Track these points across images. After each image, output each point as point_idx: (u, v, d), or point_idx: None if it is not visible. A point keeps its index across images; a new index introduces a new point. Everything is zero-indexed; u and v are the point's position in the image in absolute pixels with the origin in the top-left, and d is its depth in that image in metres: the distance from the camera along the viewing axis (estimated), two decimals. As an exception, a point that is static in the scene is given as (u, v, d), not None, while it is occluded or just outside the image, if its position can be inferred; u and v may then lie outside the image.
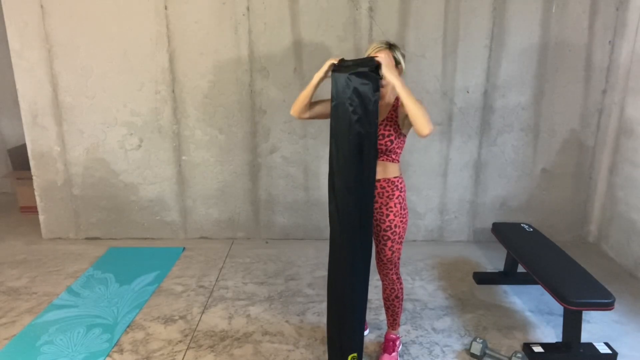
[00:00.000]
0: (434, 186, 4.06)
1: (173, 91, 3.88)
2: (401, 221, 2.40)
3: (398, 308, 2.59)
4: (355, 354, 2.37)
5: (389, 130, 2.31)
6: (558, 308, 3.05)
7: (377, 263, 2.51)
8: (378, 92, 2.14)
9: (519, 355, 2.54)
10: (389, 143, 2.32)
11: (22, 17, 3.72)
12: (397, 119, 2.32)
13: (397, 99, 2.32)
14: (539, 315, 3.08)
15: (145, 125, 3.95)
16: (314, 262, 3.78)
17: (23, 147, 4.23)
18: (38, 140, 3.98)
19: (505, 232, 3.38)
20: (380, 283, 2.69)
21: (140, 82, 3.85)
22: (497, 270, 3.63)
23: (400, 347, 2.71)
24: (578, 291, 2.55)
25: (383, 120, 2.32)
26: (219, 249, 4.02)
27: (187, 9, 3.70)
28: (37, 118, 3.93)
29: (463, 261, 3.83)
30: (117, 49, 3.78)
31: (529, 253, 3.04)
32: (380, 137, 2.30)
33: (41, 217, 4.16)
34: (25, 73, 3.84)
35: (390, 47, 2.28)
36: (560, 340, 2.76)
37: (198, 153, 4.01)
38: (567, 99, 3.88)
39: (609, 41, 3.76)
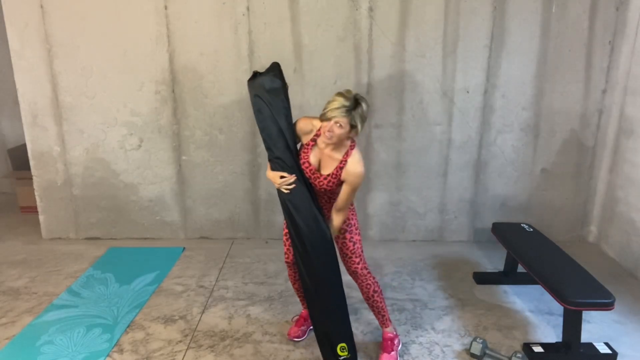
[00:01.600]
0: (434, 186, 4.06)
1: (173, 91, 3.88)
2: (352, 215, 2.49)
3: (381, 303, 2.60)
4: (344, 344, 2.40)
5: (330, 183, 2.36)
6: (558, 308, 3.05)
7: (345, 262, 2.53)
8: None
9: (519, 355, 2.54)
10: (327, 188, 2.39)
11: (22, 17, 3.72)
12: (340, 177, 2.34)
13: (347, 154, 2.33)
14: (539, 315, 3.08)
15: (145, 125, 3.95)
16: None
17: (23, 147, 4.24)
18: (38, 140, 3.98)
19: (505, 232, 3.38)
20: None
21: (140, 82, 3.85)
22: (497, 270, 3.63)
23: (400, 346, 2.71)
24: (578, 291, 2.55)
25: (328, 175, 2.35)
26: (219, 249, 4.02)
27: (187, 9, 3.70)
28: (37, 118, 3.93)
29: (463, 261, 3.83)
30: (117, 49, 3.78)
31: (529, 253, 3.04)
32: (321, 184, 2.37)
33: (41, 217, 4.16)
34: (25, 73, 3.84)
35: (351, 112, 2.20)
36: (560, 340, 2.76)
37: (198, 153, 4.01)
38: (567, 99, 3.88)
39: (609, 41, 3.76)
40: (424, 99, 3.86)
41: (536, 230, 3.39)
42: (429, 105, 3.87)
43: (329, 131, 2.21)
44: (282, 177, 2.34)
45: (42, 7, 3.69)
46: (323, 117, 2.24)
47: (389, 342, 2.64)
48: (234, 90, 3.85)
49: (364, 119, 2.25)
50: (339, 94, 2.23)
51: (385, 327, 2.66)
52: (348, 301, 3.14)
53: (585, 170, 4.04)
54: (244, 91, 3.85)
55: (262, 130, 2.38)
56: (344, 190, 2.34)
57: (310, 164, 2.38)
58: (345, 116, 2.18)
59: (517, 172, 4.03)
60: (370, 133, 3.94)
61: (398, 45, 3.75)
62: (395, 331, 2.71)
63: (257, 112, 2.37)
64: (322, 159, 2.37)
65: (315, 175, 2.37)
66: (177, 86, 3.87)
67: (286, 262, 2.67)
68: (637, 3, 3.62)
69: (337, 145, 2.32)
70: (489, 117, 3.91)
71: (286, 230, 2.55)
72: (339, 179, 2.34)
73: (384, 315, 2.64)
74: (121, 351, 2.68)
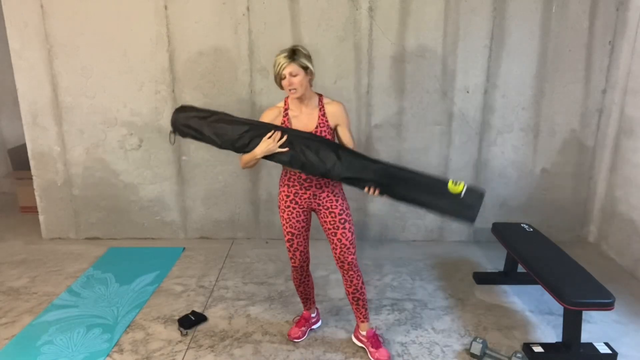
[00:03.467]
0: (434, 186, 4.06)
1: (173, 91, 3.88)
2: (347, 206, 2.56)
3: (365, 296, 2.63)
4: (451, 180, 2.38)
5: (324, 135, 2.41)
6: (558, 308, 3.05)
7: (342, 252, 2.50)
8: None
9: (519, 355, 2.54)
10: (329, 137, 2.44)
11: (22, 17, 3.72)
12: (329, 123, 2.43)
13: (320, 101, 2.43)
14: (539, 315, 3.08)
15: (145, 125, 3.95)
16: (313, 262, 3.75)
17: (23, 147, 4.23)
18: (38, 140, 3.98)
19: (505, 232, 3.38)
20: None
21: (140, 82, 3.85)
22: (497, 270, 3.63)
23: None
24: (578, 291, 2.55)
25: (316, 128, 2.41)
26: (219, 249, 4.02)
27: (187, 9, 3.70)
28: (37, 118, 3.93)
29: (463, 261, 3.83)
30: (117, 49, 3.78)
31: (529, 253, 3.04)
32: None
33: (41, 217, 4.16)
34: (25, 73, 3.84)
35: (293, 57, 2.29)
36: (560, 340, 2.76)
37: (198, 153, 4.01)
38: (567, 99, 3.88)
39: (609, 41, 3.76)
40: (424, 99, 3.86)
41: (536, 230, 3.39)
42: (429, 105, 3.87)
43: (289, 85, 2.31)
44: (269, 137, 2.35)
45: (42, 7, 3.69)
46: (277, 81, 2.35)
47: (376, 337, 2.65)
48: (234, 90, 3.85)
49: (308, 58, 2.34)
50: (277, 54, 2.32)
51: (367, 321, 2.67)
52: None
53: (585, 170, 4.04)
54: (244, 91, 3.86)
55: (219, 137, 2.45)
56: (342, 132, 2.46)
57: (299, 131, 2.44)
58: (291, 63, 2.28)
59: (517, 172, 4.03)
60: (370, 133, 3.94)
61: (398, 45, 3.75)
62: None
63: (198, 135, 2.50)
64: (306, 120, 2.43)
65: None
66: (177, 86, 3.87)
67: (293, 266, 2.67)
68: (637, 3, 3.62)
69: (306, 98, 2.41)
70: (489, 117, 3.91)
71: (288, 237, 2.58)
72: (328, 125, 2.42)
73: (366, 309, 2.66)
74: (121, 351, 2.68)
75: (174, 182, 4.08)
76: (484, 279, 3.50)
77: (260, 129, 2.39)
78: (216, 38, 3.76)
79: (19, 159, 4.79)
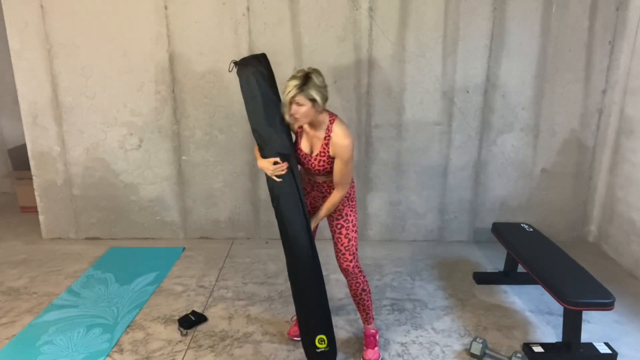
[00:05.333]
0: (434, 186, 4.06)
1: (173, 91, 3.88)
2: (351, 210, 2.49)
3: (368, 302, 2.61)
4: (323, 336, 2.42)
5: (323, 163, 2.37)
6: (558, 308, 3.05)
7: (337, 257, 2.52)
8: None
9: (519, 355, 2.54)
10: (323, 170, 2.39)
11: (22, 17, 3.72)
12: (329, 152, 2.34)
13: (329, 129, 2.33)
14: (539, 315, 3.08)
15: (145, 125, 3.95)
16: (314, 262, 3.78)
17: (23, 147, 4.24)
18: (38, 140, 3.98)
19: (505, 232, 3.38)
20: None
21: (140, 82, 3.85)
22: (497, 270, 3.63)
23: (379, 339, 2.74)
24: (578, 291, 2.55)
25: (317, 155, 2.36)
26: (219, 249, 4.02)
27: (187, 9, 3.70)
28: (37, 118, 3.93)
29: (463, 261, 3.83)
30: (117, 49, 3.78)
31: (529, 253, 3.04)
32: (316, 165, 2.38)
33: (41, 217, 4.16)
34: (25, 73, 3.84)
35: (302, 87, 2.20)
36: (560, 340, 2.76)
37: (198, 153, 4.01)
38: (567, 99, 3.88)
39: (609, 41, 3.76)
40: (424, 99, 3.86)
41: (536, 230, 3.39)
42: (429, 105, 3.87)
43: (292, 114, 2.25)
44: (275, 162, 2.34)
45: (42, 7, 3.69)
46: (283, 105, 2.28)
47: (372, 337, 2.65)
48: (234, 90, 3.85)
49: (319, 89, 2.23)
50: (291, 77, 2.25)
51: (368, 324, 2.68)
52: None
53: (585, 170, 4.04)
54: (244, 91, 3.86)
55: (255, 116, 2.35)
56: (336, 164, 2.34)
57: (301, 150, 2.42)
58: (299, 93, 2.20)
59: (517, 172, 4.03)
60: (370, 133, 3.94)
61: (398, 45, 3.75)
62: (376, 327, 2.74)
63: (251, 99, 2.34)
64: (311, 142, 2.40)
65: (307, 159, 2.40)
66: (177, 86, 3.87)
67: None
68: (637, 3, 3.62)
69: (315, 124, 2.33)
70: (489, 117, 3.91)
71: None
72: (328, 155, 2.34)
73: (368, 313, 2.65)
74: (121, 351, 2.68)
75: (174, 182, 4.08)
76: (484, 279, 3.50)
77: (272, 144, 2.34)
78: (216, 38, 3.76)
79: (19, 159, 4.79)
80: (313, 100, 2.22)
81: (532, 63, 3.79)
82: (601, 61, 3.80)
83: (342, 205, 2.49)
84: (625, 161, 3.75)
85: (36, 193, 4.11)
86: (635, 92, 3.66)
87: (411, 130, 3.92)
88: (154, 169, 4.05)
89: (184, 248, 4.02)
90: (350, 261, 2.50)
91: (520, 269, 3.39)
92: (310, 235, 2.41)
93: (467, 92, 3.85)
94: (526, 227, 3.42)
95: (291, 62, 3.78)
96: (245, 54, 3.77)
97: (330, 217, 2.51)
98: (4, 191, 5.39)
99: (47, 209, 4.14)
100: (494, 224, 3.52)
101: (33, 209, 4.41)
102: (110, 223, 4.18)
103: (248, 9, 3.70)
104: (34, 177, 4.07)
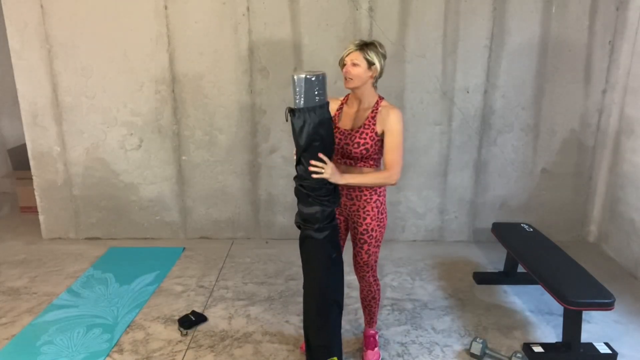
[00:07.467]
0: (434, 186, 4.06)
1: (173, 91, 3.88)
2: (378, 225, 2.36)
3: (375, 308, 2.61)
4: (335, 358, 2.30)
5: (365, 139, 2.23)
6: (558, 308, 3.05)
7: (354, 265, 2.50)
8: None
9: (519, 355, 2.54)
10: (364, 151, 2.25)
11: (22, 17, 3.72)
12: (376, 128, 2.23)
13: (377, 103, 2.24)
14: (539, 315, 3.08)
15: (145, 125, 3.95)
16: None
17: (23, 147, 4.24)
18: (38, 140, 3.98)
19: (505, 232, 3.38)
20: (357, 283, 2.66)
21: (140, 82, 3.85)
22: (497, 270, 3.63)
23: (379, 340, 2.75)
24: (578, 291, 2.55)
25: (360, 128, 2.24)
26: (219, 249, 4.02)
27: (187, 9, 3.70)
28: (37, 118, 3.93)
29: (463, 261, 3.83)
30: (117, 49, 3.78)
31: (529, 253, 3.04)
32: (356, 145, 2.24)
33: (41, 217, 4.16)
34: (25, 73, 3.84)
35: (363, 47, 2.16)
36: (560, 340, 2.76)
37: (198, 153, 4.01)
38: (567, 99, 3.87)
39: (609, 41, 3.76)
40: (424, 99, 3.86)
41: (536, 230, 3.39)
42: (429, 105, 3.87)
43: (346, 73, 2.17)
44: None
45: (42, 7, 3.69)
46: (340, 64, 2.21)
47: (372, 338, 2.66)
48: (234, 90, 3.85)
49: (379, 54, 2.16)
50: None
51: (370, 327, 2.68)
52: (347, 302, 3.15)
53: (585, 170, 4.04)
54: (244, 91, 3.86)
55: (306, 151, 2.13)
56: (386, 140, 2.19)
57: (340, 127, 2.28)
58: (357, 50, 2.14)
59: (517, 172, 4.03)
60: (370, 133, 3.93)
61: (398, 45, 3.75)
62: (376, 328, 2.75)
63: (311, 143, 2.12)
64: (354, 117, 2.28)
65: (348, 136, 2.24)
66: (177, 86, 3.87)
67: None
68: (637, 3, 3.62)
69: (364, 95, 2.23)
70: (489, 117, 3.91)
71: None
72: (373, 129, 2.21)
73: (372, 318, 2.66)
74: (121, 351, 2.68)
75: (174, 182, 4.08)
76: (484, 279, 3.50)
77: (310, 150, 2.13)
78: (216, 38, 3.76)
79: (19, 159, 4.79)
80: (370, 64, 2.16)
81: (532, 63, 3.79)
82: (601, 61, 3.80)
83: (371, 216, 2.33)
84: (625, 161, 3.75)
85: (36, 193, 4.10)
86: (635, 92, 3.66)
87: (411, 130, 3.92)
88: (154, 169, 4.05)
89: (184, 248, 4.02)
90: (367, 272, 2.47)
91: (520, 269, 3.39)
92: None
93: (467, 92, 3.85)
94: (526, 227, 3.42)
95: (291, 62, 3.78)
96: (245, 54, 3.78)
97: (354, 225, 2.37)
98: (4, 191, 5.39)
99: (47, 209, 4.14)
100: (494, 224, 3.52)
101: (33, 209, 4.40)
102: (110, 223, 4.18)
103: (248, 9, 3.70)
104: (34, 177, 4.07)
